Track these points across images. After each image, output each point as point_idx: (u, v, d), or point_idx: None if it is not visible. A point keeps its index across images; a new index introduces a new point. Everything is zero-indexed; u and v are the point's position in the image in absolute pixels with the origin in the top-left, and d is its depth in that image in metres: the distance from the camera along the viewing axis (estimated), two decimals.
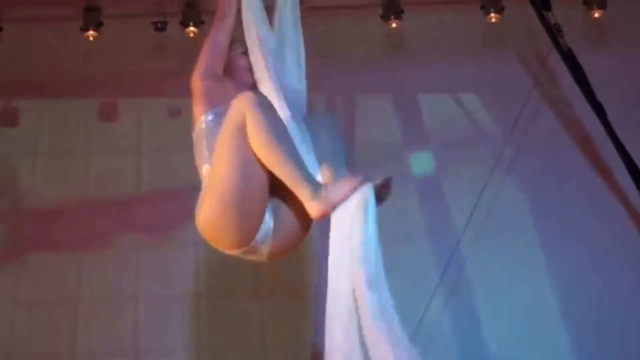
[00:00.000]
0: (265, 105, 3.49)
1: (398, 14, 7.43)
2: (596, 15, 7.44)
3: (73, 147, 7.60)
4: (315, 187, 3.40)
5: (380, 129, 7.47)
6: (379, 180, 3.46)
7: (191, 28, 7.43)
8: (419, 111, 7.61)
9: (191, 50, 7.56)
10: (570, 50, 6.66)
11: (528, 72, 7.46)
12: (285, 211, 3.59)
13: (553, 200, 7.21)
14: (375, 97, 7.64)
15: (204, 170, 3.67)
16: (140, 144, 7.62)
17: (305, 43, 4.16)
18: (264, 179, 3.47)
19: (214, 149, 3.55)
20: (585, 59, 6.52)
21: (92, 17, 7.43)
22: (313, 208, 3.37)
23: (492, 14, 7.40)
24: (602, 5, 7.40)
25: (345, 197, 3.34)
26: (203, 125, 3.73)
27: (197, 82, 3.87)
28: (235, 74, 4.01)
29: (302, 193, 3.38)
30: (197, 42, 7.49)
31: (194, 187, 3.79)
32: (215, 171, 3.52)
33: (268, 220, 3.52)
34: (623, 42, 7.56)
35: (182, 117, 7.51)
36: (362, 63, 7.49)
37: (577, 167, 7.25)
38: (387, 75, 7.50)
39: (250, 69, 3.96)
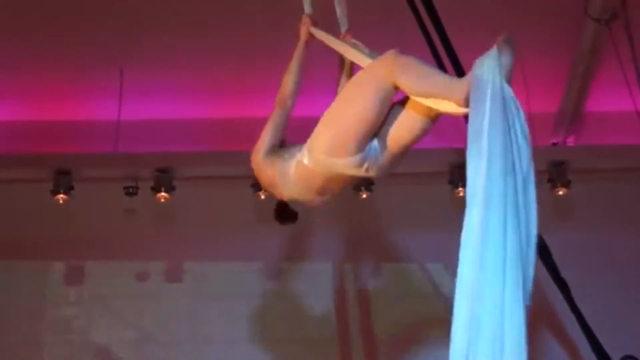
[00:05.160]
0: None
1: (368, 185, 7.56)
2: (560, 192, 7.62)
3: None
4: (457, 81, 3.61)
5: None
6: (499, 42, 3.53)
7: (162, 193, 7.49)
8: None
9: (161, 215, 7.78)
10: None
11: None
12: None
13: None
14: None
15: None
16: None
17: None
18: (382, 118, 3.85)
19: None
20: (550, 234, 6.60)
21: (63, 180, 7.49)
22: (457, 97, 3.54)
23: (460, 188, 7.53)
24: (566, 184, 7.59)
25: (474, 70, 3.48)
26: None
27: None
28: None
29: (449, 91, 3.58)
30: (168, 207, 7.60)
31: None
32: (346, 108, 3.88)
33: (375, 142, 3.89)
34: (586, 218, 7.73)
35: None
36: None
37: (542, 340, 7.24)
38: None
39: None
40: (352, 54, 4.21)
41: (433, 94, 3.64)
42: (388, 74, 3.75)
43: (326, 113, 3.95)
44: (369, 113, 3.79)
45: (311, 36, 4.37)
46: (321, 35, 4.35)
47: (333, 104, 3.96)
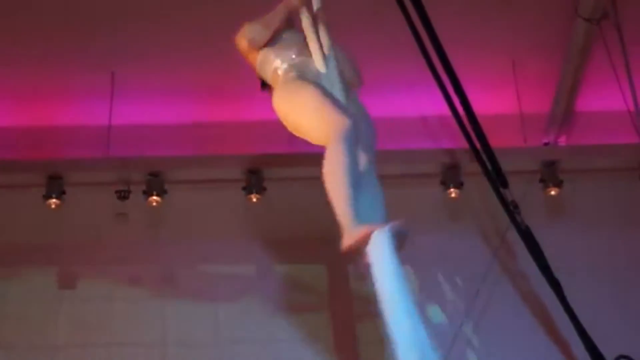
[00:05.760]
0: (349, 141, 3.88)
1: None
2: (552, 192, 7.63)
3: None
4: (352, 225, 3.76)
5: None
6: (395, 227, 3.71)
7: (154, 197, 7.48)
8: None
9: (153, 219, 7.77)
10: (527, 227, 6.76)
11: (487, 246, 7.53)
12: None
13: None
14: None
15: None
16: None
17: None
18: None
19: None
20: (542, 234, 6.62)
21: (55, 185, 7.47)
22: (344, 238, 3.78)
23: (452, 189, 7.54)
24: (557, 184, 7.60)
25: (361, 239, 3.71)
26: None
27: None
28: None
29: (343, 223, 3.79)
30: (160, 210, 7.58)
31: None
32: (303, 119, 4.11)
33: None
34: (578, 218, 7.73)
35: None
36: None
37: (535, 340, 7.24)
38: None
39: None
40: (313, 48, 4.32)
41: (332, 202, 3.84)
42: (327, 140, 3.89)
43: (303, 102, 4.09)
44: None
45: (299, 9, 4.46)
46: (305, 16, 4.44)
47: (304, 108, 4.09)
